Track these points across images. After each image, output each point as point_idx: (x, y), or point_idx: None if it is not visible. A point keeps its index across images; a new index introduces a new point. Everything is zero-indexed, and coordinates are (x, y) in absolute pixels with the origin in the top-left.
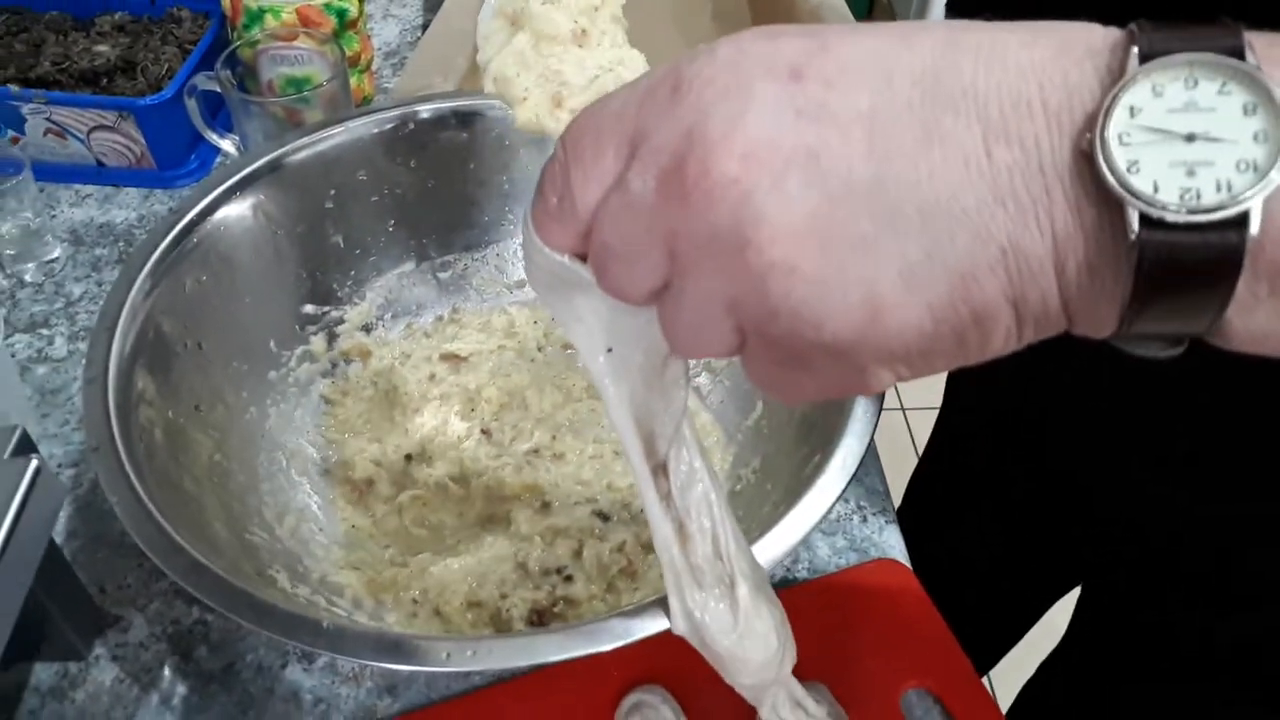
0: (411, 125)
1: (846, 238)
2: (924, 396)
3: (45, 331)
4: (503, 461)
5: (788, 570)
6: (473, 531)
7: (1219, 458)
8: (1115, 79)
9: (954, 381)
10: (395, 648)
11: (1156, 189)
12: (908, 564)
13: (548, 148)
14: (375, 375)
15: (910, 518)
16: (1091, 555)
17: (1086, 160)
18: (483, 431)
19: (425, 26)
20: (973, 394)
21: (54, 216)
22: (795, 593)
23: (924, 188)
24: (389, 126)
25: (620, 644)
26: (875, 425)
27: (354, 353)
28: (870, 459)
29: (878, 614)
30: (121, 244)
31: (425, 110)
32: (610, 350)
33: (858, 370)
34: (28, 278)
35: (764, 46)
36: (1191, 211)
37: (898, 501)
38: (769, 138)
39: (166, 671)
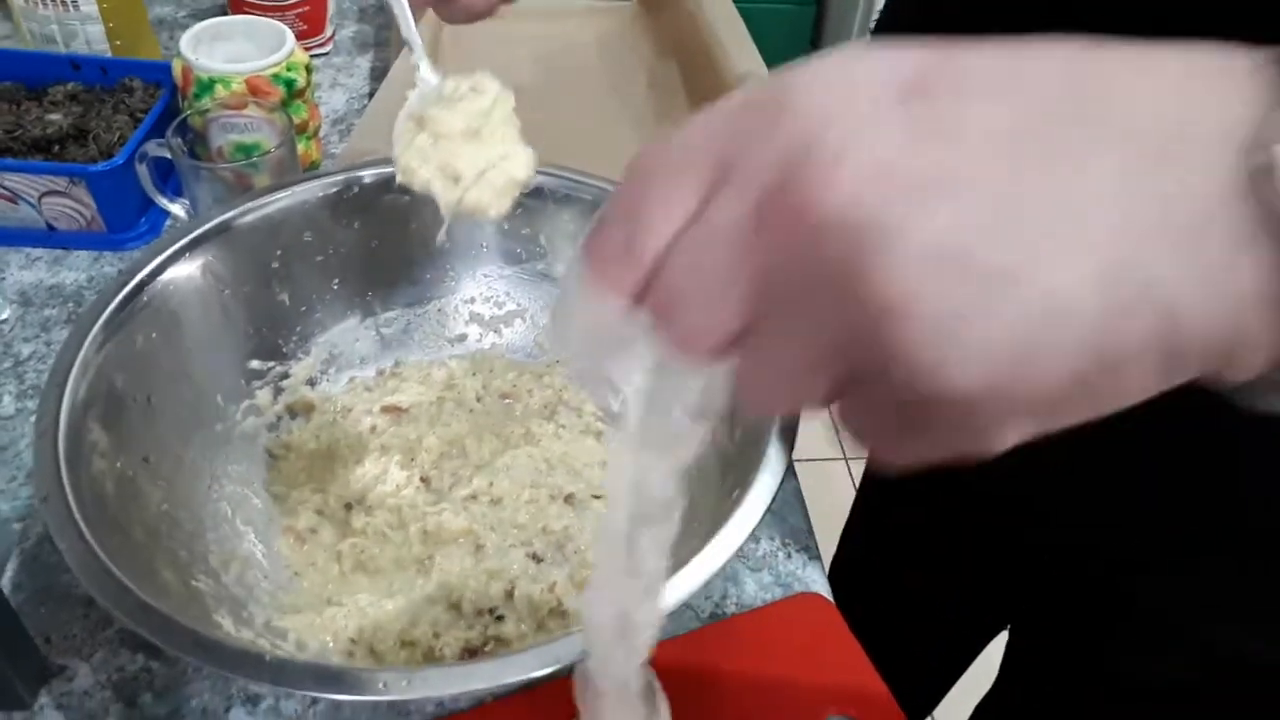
0: (355, 189)
1: (980, 273)
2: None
3: None
4: (440, 507)
5: (717, 605)
6: (408, 574)
7: (1149, 503)
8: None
9: None
10: (335, 679)
11: None
12: (830, 598)
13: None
14: (318, 430)
15: (845, 561)
16: (1021, 595)
17: (1252, 186)
18: (422, 479)
19: (372, 95)
20: None
21: (3, 278)
22: (724, 627)
23: (1066, 222)
24: (334, 190)
25: (553, 669)
26: (788, 463)
27: (299, 406)
28: (794, 499)
29: (801, 645)
30: (71, 305)
31: (368, 174)
32: (644, 420)
33: (980, 429)
34: None
35: (878, 57)
36: None
37: (834, 545)
38: (891, 161)
39: (111, 718)
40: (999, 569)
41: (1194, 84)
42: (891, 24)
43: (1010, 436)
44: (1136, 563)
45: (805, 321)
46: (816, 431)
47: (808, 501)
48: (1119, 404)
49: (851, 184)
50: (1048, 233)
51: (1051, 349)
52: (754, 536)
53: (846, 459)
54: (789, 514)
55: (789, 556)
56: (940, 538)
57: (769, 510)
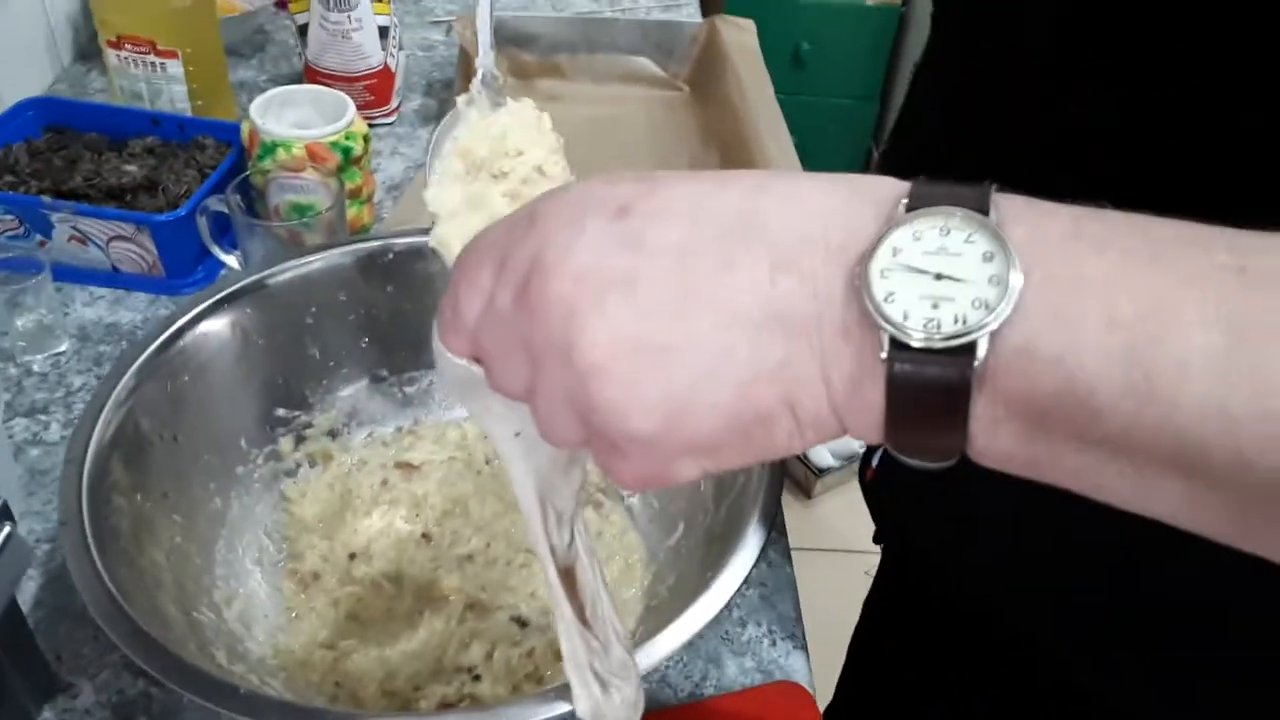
0: (390, 255)
1: (651, 347)
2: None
3: (43, 417)
4: (437, 564)
5: (696, 685)
6: (398, 626)
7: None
8: (890, 223)
9: (890, 543)
10: (304, 716)
11: (906, 317)
12: (811, 690)
13: None
14: (333, 480)
15: (851, 681)
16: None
17: (855, 291)
18: (424, 535)
19: None
20: (888, 529)
21: (67, 314)
22: (700, 708)
23: (717, 308)
24: (368, 254)
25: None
26: (765, 541)
27: (318, 456)
28: (786, 586)
29: None
30: (124, 343)
31: (402, 242)
32: (518, 434)
33: (663, 461)
34: (35, 368)
35: (603, 188)
36: (931, 339)
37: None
38: (594, 263)
39: None
40: (1008, 702)
41: (835, 211)
42: (907, 131)
43: (688, 468)
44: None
45: (549, 378)
46: (822, 522)
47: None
48: (778, 451)
49: (564, 281)
50: (700, 318)
51: (704, 406)
52: (740, 620)
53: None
54: (779, 601)
55: (774, 644)
56: (944, 675)
57: (742, 589)
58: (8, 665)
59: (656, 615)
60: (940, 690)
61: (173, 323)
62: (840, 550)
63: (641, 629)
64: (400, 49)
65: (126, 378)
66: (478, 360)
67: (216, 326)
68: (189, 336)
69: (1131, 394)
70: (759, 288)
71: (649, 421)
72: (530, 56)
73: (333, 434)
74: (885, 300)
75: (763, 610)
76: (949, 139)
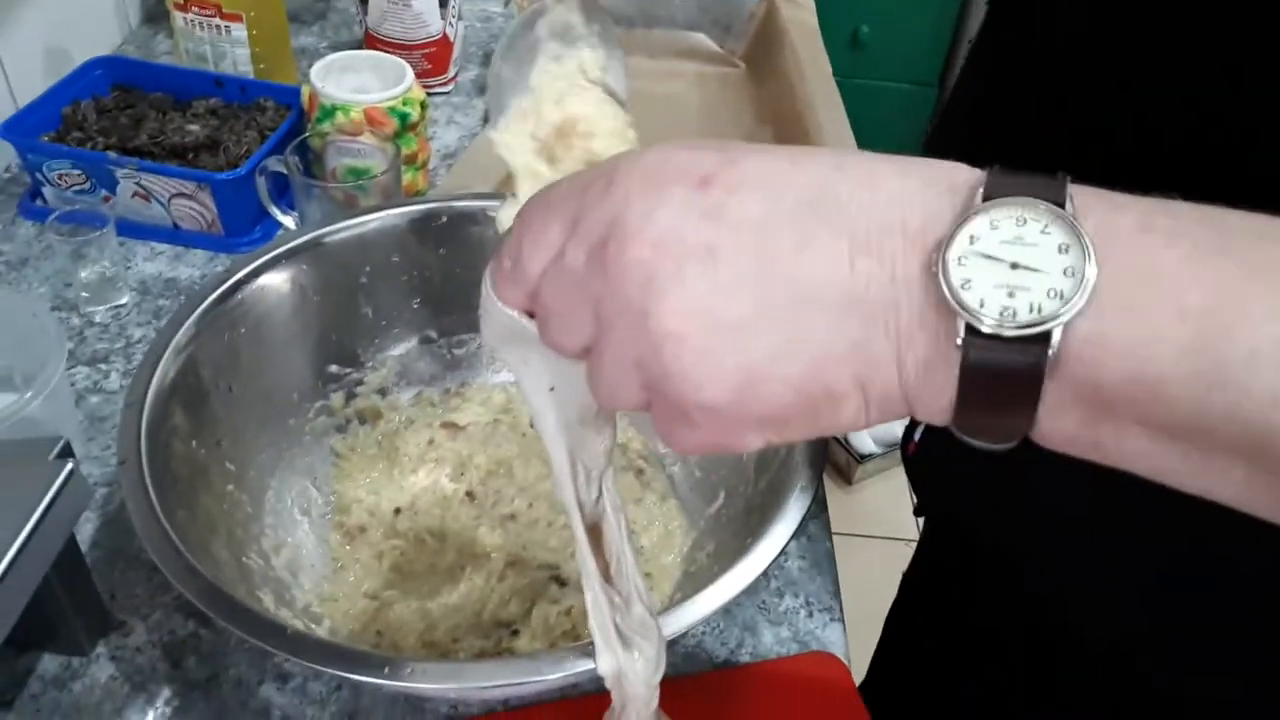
0: (444, 218)
1: (729, 318)
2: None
3: (104, 366)
4: (479, 522)
5: (731, 653)
6: (439, 580)
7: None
8: (966, 212)
9: (933, 518)
10: (340, 657)
11: (982, 304)
12: (847, 661)
13: None
14: (381, 436)
15: (880, 674)
16: (1066, 705)
17: (931, 276)
18: (468, 494)
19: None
20: (932, 502)
21: (129, 268)
22: (735, 674)
23: (796, 285)
24: (423, 217)
25: (557, 676)
26: (807, 510)
27: (368, 413)
28: (825, 560)
29: (808, 702)
30: (183, 297)
31: (458, 205)
32: (552, 389)
33: (731, 430)
34: (97, 319)
35: (684, 155)
36: (1007, 327)
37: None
38: (675, 231)
39: (157, 676)
40: (1042, 679)
41: (911, 196)
42: (952, 115)
43: (754, 439)
44: (1189, 669)
45: (618, 340)
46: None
47: (853, 577)
48: (842, 428)
49: (644, 246)
50: (778, 294)
51: (776, 379)
52: (779, 591)
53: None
54: (818, 574)
55: (810, 615)
56: (979, 650)
57: (780, 560)
58: (65, 601)
59: (695, 581)
60: (975, 666)
61: (232, 275)
62: (880, 537)
63: (679, 594)
64: (459, 19)
65: (186, 326)
66: (529, 314)
67: (274, 281)
68: (247, 290)
69: (1200, 382)
70: (838, 268)
71: (721, 391)
72: None
73: (382, 392)
74: (962, 287)
75: (801, 583)
76: (986, 125)
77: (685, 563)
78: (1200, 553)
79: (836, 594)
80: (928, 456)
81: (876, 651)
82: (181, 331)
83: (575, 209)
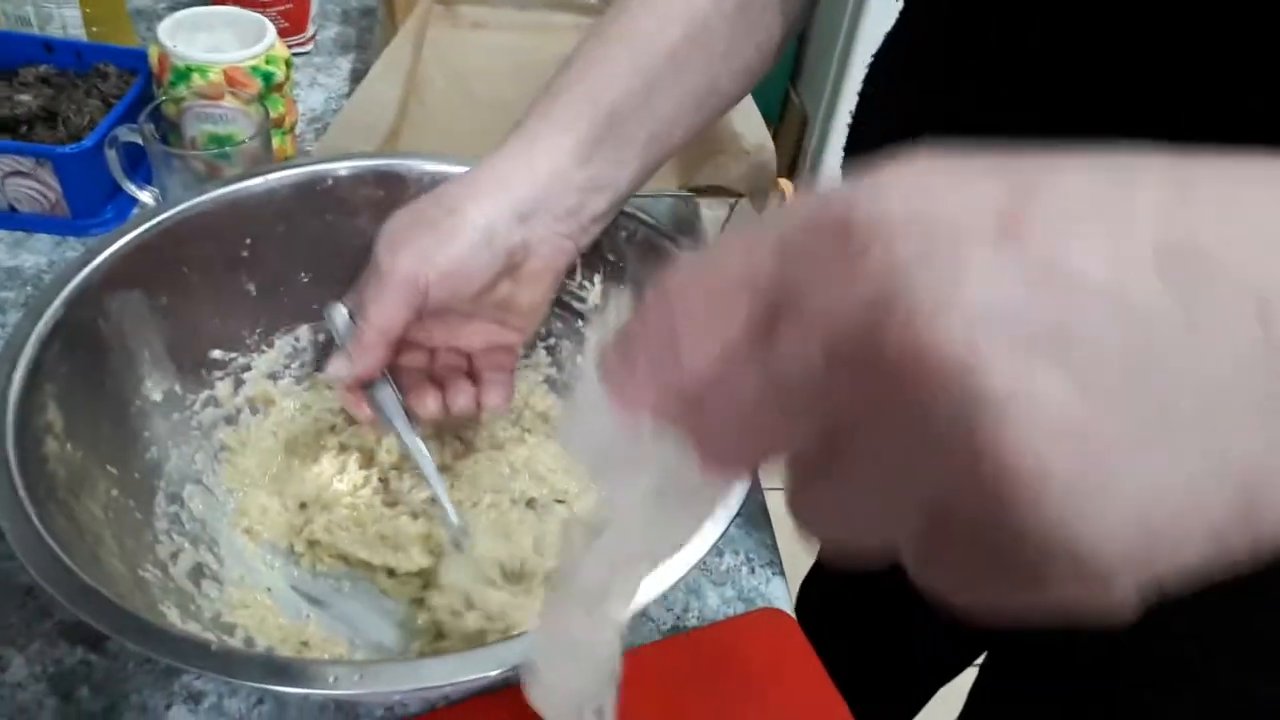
0: (330, 181)
1: (1113, 438)
2: None
3: None
4: (398, 511)
5: (678, 618)
6: (364, 575)
7: None
8: None
9: None
10: (283, 671)
11: None
12: (792, 614)
13: None
14: (275, 426)
15: (813, 593)
16: (997, 630)
17: None
18: (380, 480)
19: (350, 96)
20: None
21: None
22: (685, 640)
23: (1196, 377)
24: (308, 182)
25: (508, 670)
26: (755, 477)
27: (259, 400)
28: (760, 514)
29: (762, 661)
30: (29, 289)
31: (344, 168)
32: (660, 492)
33: (1106, 591)
34: None
35: (952, 186)
36: None
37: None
38: (1000, 312)
39: (45, 713)
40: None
41: None
42: (877, 79)
43: (1134, 597)
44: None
45: (888, 473)
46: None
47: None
48: (1242, 567)
49: (958, 337)
50: (1175, 396)
51: (1194, 519)
52: (718, 550)
53: None
54: (754, 529)
55: (753, 571)
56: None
57: (733, 524)
58: None
59: None
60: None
61: (96, 254)
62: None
63: None
64: None
65: (50, 312)
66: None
67: (145, 261)
68: (114, 272)
69: None
70: (1253, 349)
71: (1115, 545)
72: None
73: (274, 377)
74: None
75: (739, 539)
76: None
77: None
78: None
79: (775, 547)
80: None
81: (813, 567)
82: (44, 319)
83: (777, 279)
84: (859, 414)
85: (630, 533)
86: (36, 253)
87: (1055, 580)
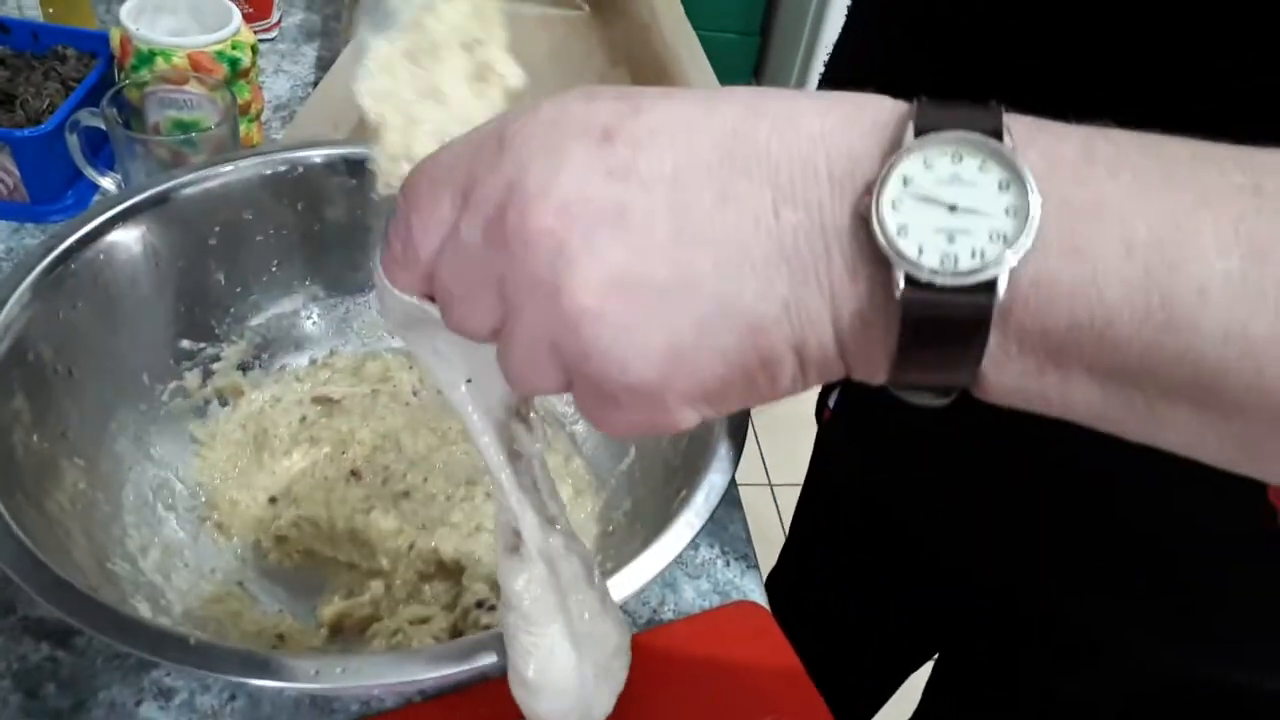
0: (301, 169)
1: (649, 288)
2: (791, 474)
3: None
4: (370, 503)
5: (654, 612)
6: (336, 570)
7: (1054, 529)
8: (894, 149)
9: (818, 460)
10: (263, 665)
11: (921, 252)
12: (766, 606)
13: None
14: (244, 419)
15: (780, 588)
16: (949, 617)
17: (863, 223)
18: (352, 473)
19: (317, 84)
20: (839, 470)
21: None
22: (661, 633)
23: (718, 244)
24: (279, 169)
25: (489, 663)
26: (735, 465)
27: (228, 391)
28: (734, 508)
29: (737, 653)
30: None
31: (316, 155)
32: (470, 381)
33: (663, 409)
34: None
35: (582, 107)
36: (949, 275)
37: (765, 563)
38: (581, 194)
39: (10, 710)
40: (928, 591)
41: (834, 134)
42: (843, 56)
43: (689, 416)
44: (1055, 585)
45: (529, 322)
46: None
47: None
48: (779, 395)
49: (548, 214)
50: (701, 256)
51: (708, 351)
52: (693, 543)
53: (771, 486)
54: (729, 522)
55: (727, 565)
56: (872, 560)
57: (710, 519)
58: None
59: (615, 541)
60: (866, 573)
61: (61, 240)
62: (785, 485)
63: (601, 556)
64: None
65: (14, 298)
66: (430, 297)
67: (112, 247)
68: (80, 258)
69: (1149, 322)
70: (762, 222)
71: (649, 369)
72: None
73: (243, 368)
74: (898, 234)
75: (713, 532)
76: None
77: (601, 521)
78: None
79: (749, 540)
80: (843, 423)
81: (780, 556)
82: (9, 305)
83: (465, 177)
84: (506, 281)
85: (468, 409)
86: None
87: (625, 399)
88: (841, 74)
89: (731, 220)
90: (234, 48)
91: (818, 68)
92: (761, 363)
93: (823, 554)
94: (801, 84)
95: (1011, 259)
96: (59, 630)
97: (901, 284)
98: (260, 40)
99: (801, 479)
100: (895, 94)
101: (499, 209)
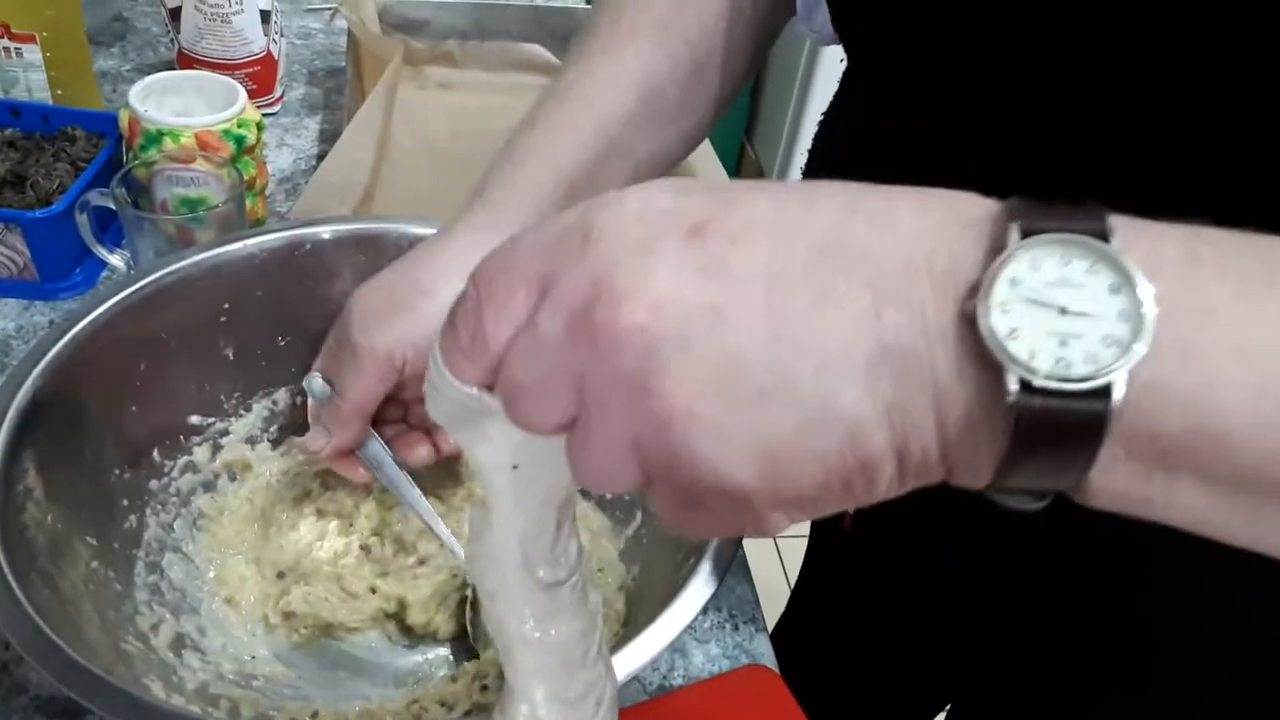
0: (309, 245)
1: (745, 390)
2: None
3: None
4: (383, 579)
5: (664, 678)
6: (349, 651)
7: (1072, 629)
8: (997, 249)
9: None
10: None
11: (1033, 356)
12: (776, 670)
13: None
14: (251, 493)
15: (785, 640)
16: (960, 680)
17: (968, 323)
18: (362, 548)
19: (320, 157)
20: (846, 561)
21: None
22: (671, 699)
23: (818, 345)
24: (288, 246)
25: None
26: (737, 547)
27: (236, 466)
28: (740, 569)
29: (748, 718)
30: None
31: (325, 231)
32: (516, 467)
33: (753, 513)
34: None
35: (670, 200)
36: (1063, 380)
37: (772, 620)
38: (673, 292)
39: None
40: (937, 656)
41: (933, 233)
42: (828, 139)
43: (781, 521)
44: (1067, 684)
45: (612, 420)
46: None
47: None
48: (874, 499)
49: (639, 311)
50: (800, 357)
51: (806, 456)
52: (701, 608)
53: (775, 537)
54: (736, 584)
55: (736, 628)
56: (878, 629)
57: (725, 587)
58: None
59: (630, 604)
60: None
61: (77, 321)
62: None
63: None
64: (281, 35)
65: (30, 380)
66: (489, 386)
67: (124, 326)
68: (95, 337)
69: (1267, 429)
70: (863, 322)
71: (743, 473)
72: (420, 43)
73: (251, 442)
74: (1009, 337)
75: (721, 595)
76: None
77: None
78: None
79: (757, 603)
80: (866, 529)
81: (785, 611)
82: (21, 392)
83: (545, 269)
84: (588, 378)
85: (503, 498)
86: (4, 317)
87: (712, 502)
88: (840, 125)
89: (832, 320)
90: (240, 125)
91: (808, 124)
92: (860, 467)
93: (828, 616)
94: (793, 139)
95: (1127, 363)
96: (71, 709)
97: (1014, 388)
98: (264, 114)
99: (806, 529)
100: (897, 150)
101: (585, 305)
